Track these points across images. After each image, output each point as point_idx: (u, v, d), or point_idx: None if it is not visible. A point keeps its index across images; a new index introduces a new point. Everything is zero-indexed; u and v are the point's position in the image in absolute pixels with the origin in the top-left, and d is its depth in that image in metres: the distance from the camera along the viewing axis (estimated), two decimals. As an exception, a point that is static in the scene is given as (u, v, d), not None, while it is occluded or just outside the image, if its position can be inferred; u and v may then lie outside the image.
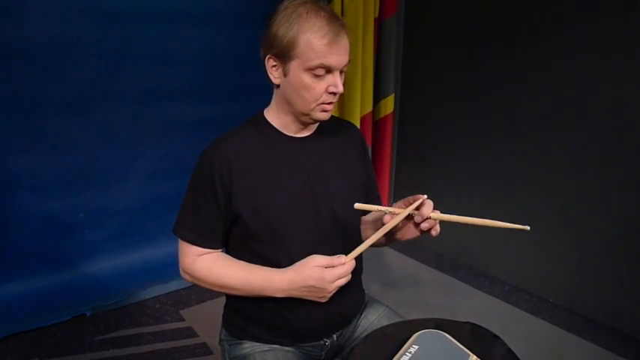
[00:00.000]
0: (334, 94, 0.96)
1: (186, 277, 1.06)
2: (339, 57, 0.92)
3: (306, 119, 1.01)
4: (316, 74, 0.93)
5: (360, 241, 1.14)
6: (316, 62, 0.91)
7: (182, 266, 1.05)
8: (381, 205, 1.23)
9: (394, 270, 2.64)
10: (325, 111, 0.98)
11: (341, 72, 0.96)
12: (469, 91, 2.50)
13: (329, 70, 0.93)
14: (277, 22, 0.93)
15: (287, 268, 0.97)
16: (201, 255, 1.03)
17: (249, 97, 1.96)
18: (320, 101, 0.96)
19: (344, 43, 0.93)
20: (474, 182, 2.55)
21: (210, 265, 1.02)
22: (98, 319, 2.12)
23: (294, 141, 1.04)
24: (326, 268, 0.91)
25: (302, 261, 0.94)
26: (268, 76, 0.99)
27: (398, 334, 0.90)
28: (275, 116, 1.04)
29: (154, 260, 2.46)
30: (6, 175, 2.07)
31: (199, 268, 1.02)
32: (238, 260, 1.03)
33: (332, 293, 0.94)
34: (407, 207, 0.94)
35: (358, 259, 1.13)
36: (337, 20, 0.93)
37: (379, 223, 0.99)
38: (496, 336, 0.90)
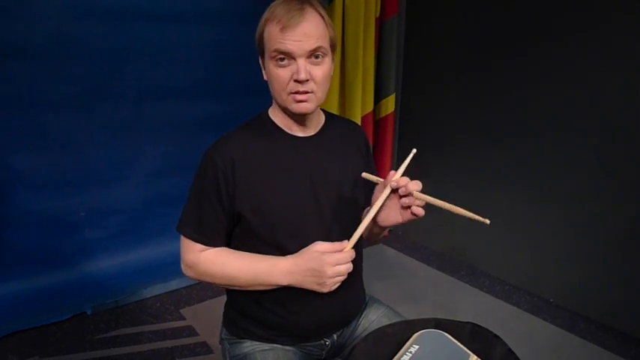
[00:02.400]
0: (300, 82, 0.93)
1: (190, 273, 1.05)
2: (295, 42, 0.91)
3: (288, 113, 1.01)
4: (279, 62, 0.93)
5: (362, 240, 1.15)
6: (272, 48, 0.93)
7: (186, 262, 1.05)
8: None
9: (395, 269, 2.64)
10: (299, 102, 0.96)
11: (315, 57, 0.94)
12: (470, 91, 2.50)
13: (290, 56, 0.92)
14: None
15: (291, 255, 0.98)
16: (204, 250, 1.04)
17: (251, 97, 1.97)
18: (288, 90, 0.95)
19: (305, 28, 0.91)
20: (475, 182, 2.55)
21: (214, 257, 1.03)
22: (99, 318, 2.12)
23: (297, 140, 1.04)
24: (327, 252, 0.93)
25: (305, 248, 0.96)
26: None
27: (398, 334, 0.90)
28: (276, 115, 1.05)
29: (155, 259, 2.47)
30: (7, 173, 2.07)
31: (204, 262, 1.02)
32: (240, 252, 1.04)
33: (333, 281, 0.93)
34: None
35: (358, 258, 1.14)
36: (297, 6, 0.92)
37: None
38: (496, 336, 0.90)
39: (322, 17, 0.95)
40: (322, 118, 1.10)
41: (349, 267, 0.94)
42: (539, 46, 2.15)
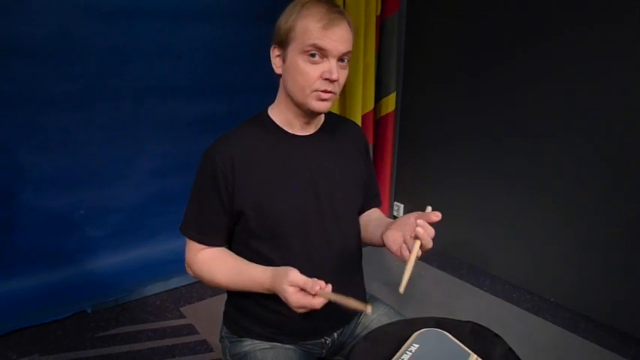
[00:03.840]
0: (329, 81, 0.94)
1: (189, 271, 1.07)
2: (334, 42, 0.92)
3: (303, 109, 0.99)
4: (311, 58, 0.93)
5: (360, 243, 1.15)
6: (309, 42, 0.91)
7: (186, 261, 1.07)
8: (378, 204, 1.23)
9: (395, 269, 2.64)
10: (322, 100, 0.96)
11: (341, 60, 0.95)
12: (471, 90, 2.49)
13: (324, 54, 0.93)
14: (283, 15, 0.96)
15: (270, 270, 0.96)
16: (202, 250, 1.05)
17: (251, 95, 1.97)
18: (314, 88, 0.94)
19: (341, 30, 0.93)
20: (475, 181, 2.55)
21: (206, 260, 1.04)
22: (99, 316, 2.12)
23: (297, 139, 1.04)
24: (300, 289, 0.88)
25: (282, 270, 0.92)
26: (273, 69, 1.00)
27: (398, 333, 0.90)
28: (278, 113, 1.04)
29: (155, 257, 2.47)
30: (7, 172, 2.07)
31: (197, 262, 1.04)
32: (234, 257, 1.04)
33: (297, 310, 0.90)
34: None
35: (357, 258, 1.14)
36: (336, 9, 0.94)
37: (383, 228, 0.97)
38: (497, 335, 0.90)
39: (350, 24, 0.96)
40: (322, 117, 1.10)
41: (315, 307, 0.88)
42: (539, 45, 2.14)
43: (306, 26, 0.92)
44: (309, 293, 0.87)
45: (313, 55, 0.92)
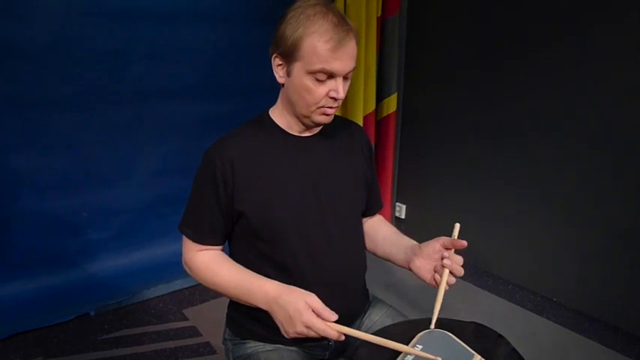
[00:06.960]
0: (334, 99, 0.95)
1: (187, 270, 1.08)
2: (342, 63, 0.91)
3: (306, 121, 1.01)
4: (318, 78, 0.92)
5: (363, 244, 1.15)
6: (318, 67, 0.90)
7: (184, 259, 1.08)
8: (379, 208, 1.26)
9: (397, 270, 2.63)
10: (325, 114, 0.98)
11: (345, 77, 0.95)
12: (472, 90, 2.49)
13: (331, 75, 0.92)
14: (286, 22, 0.93)
15: (280, 283, 0.95)
16: (201, 251, 1.05)
17: (253, 97, 1.97)
18: (320, 105, 0.95)
19: (349, 49, 0.92)
20: (477, 181, 2.55)
21: (207, 263, 1.03)
22: (102, 319, 2.13)
23: (298, 140, 1.04)
24: (313, 311, 0.87)
25: (300, 289, 0.92)
26: (274, 75, 0.99)
27: (402, 334, 0.90)
28: (280, 115, 1.04)
29: (158, 259, 2.47)
30: (9, 174, 2.07)
31: (197, 263, 1.04)
32: (235, 264, 1.03)
33: (296, 334, 0.89)
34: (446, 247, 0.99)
35: (361, 257, 1.14)
36: (344, 25, 0.91)
37: (406, 253, 1.06)
38: (500, 335, 0.90)
39: (356, 37, 0.95)
40: None
41: (320, 333, 0.88)
42: (542, 46, 2.14)
43: (314, 47, 0.89)
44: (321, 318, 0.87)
45: (322, 77, 0.92)
